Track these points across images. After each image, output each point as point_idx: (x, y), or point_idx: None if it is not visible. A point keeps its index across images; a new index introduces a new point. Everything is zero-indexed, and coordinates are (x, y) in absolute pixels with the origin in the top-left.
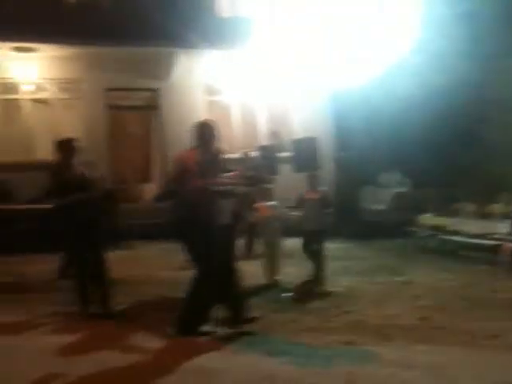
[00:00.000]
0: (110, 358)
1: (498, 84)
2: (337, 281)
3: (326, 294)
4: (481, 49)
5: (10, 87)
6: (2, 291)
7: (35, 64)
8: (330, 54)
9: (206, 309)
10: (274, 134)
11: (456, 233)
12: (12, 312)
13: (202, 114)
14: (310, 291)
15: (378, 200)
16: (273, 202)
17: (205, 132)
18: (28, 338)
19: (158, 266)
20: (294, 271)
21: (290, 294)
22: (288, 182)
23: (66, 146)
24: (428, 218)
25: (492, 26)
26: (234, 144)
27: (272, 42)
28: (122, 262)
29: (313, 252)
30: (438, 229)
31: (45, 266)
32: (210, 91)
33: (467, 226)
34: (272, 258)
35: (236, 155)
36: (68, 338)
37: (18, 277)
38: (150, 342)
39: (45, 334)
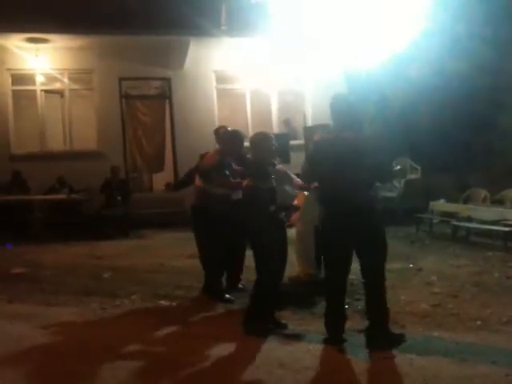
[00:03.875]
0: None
1: None
2: None
3: None
4: (498, 33)
5: (24, 78)
6: None
7: (48, 55)
8: (342, 37)
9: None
10: (287, 122)
11: (468, 219)
12: None
13: (214, 102)
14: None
15: (389, 187)
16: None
17: None
18: None
19: (170, 255)
20: None
21: None
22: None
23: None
24: (440, 205)
25: (510, 9)
26: (246, 132)
27: (285, 29)
28: (134, 250)
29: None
30: (450, 215)
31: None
32: (223, 79)
33: (479, 213)
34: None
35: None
36: None
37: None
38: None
39: None
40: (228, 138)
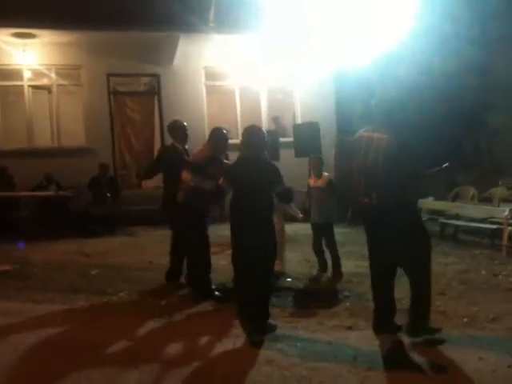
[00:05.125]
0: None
1: (503, 68)
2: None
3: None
4: (485, 32)
5: (11, 74)
6: None
7: (36, 50)
8: (332, 36)
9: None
10: (276, 119)
11: (456, 217)
12: None
13: (203, 99)
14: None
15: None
16: None
17: None
18: None
19: (159, 253)
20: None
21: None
22: (289, 168)
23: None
24: (428, 203)
25: (497, 8)
26: (235, 129)
27: (275, 26)
28: (123, 248)
29: (327, 246)
30: (438, 213)
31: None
32: (212, 76)
33: (467, 210)
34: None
35: (238, 140)
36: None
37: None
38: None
39: None
40: (221, 135)
